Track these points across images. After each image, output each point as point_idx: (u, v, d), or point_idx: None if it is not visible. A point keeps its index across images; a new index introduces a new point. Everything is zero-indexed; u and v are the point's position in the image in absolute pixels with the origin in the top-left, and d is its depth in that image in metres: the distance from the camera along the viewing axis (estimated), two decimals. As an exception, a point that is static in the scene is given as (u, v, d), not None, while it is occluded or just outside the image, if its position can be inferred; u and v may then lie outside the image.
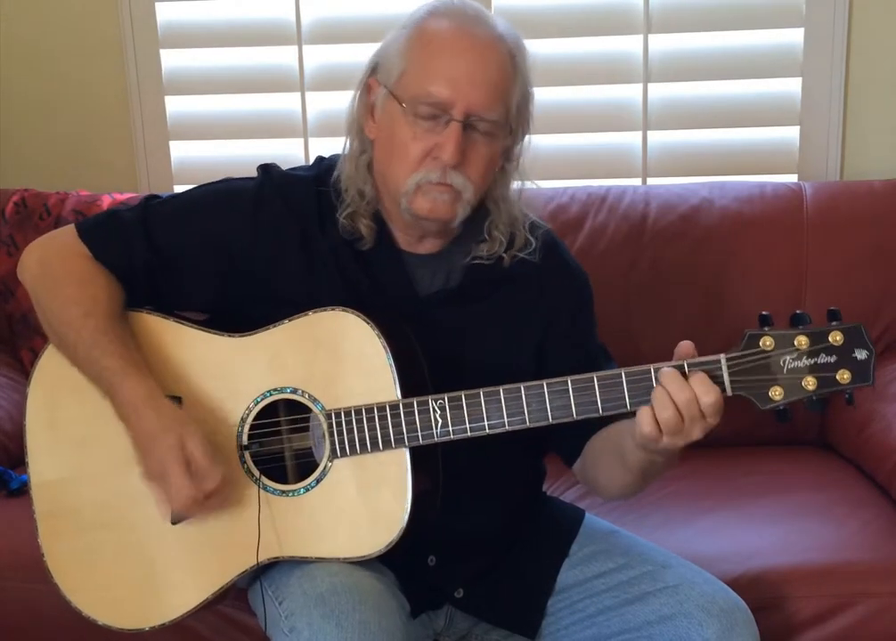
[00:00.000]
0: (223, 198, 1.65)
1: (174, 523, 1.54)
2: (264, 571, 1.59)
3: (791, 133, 2.59)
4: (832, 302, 2.25)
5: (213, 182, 1.70)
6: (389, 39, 1.59)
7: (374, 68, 1.60)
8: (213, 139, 2.75)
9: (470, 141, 1.53)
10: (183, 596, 1.59)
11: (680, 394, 1.38)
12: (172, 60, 2.70)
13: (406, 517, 1.49)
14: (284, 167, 1.70)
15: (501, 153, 1.60)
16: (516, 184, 1.66)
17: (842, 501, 2.03)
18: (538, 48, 2.51)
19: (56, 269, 1.62)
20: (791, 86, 2.56)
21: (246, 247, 1.61)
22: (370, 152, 1.62)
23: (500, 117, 1.55)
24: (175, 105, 2.73)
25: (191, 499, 1.49)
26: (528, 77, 1.60)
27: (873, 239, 2.34)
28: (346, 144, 1.65)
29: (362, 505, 1.52)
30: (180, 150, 2.75)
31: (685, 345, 1.43)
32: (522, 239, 1.65)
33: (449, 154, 1.51)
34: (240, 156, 2.67)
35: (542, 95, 2.54)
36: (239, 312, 1.62)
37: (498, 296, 1.65)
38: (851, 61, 2.53)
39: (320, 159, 1.71)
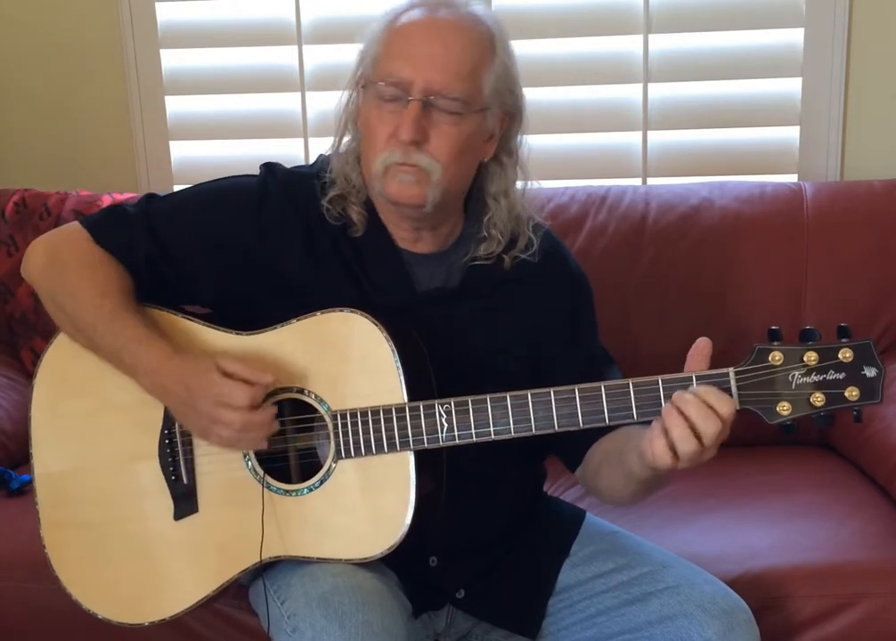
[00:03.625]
0: (226, 195, 1.66)
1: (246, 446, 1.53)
2: (266, 569, 1.59)
3: (791, 133, 2.59)
4: (832, 302, 2.29)
5: (215, 180, 1.70)
6: (369, 33, 1.60)
7: (359, 64, 1.61)
8: (213, 139, 2.75)
9: (433, 121, 1.53)
10: (183, 592, 1.60)
11: (709, 429, 1.36)
12: (172, 60, 2.70)
13: (409, 521, 1.49)
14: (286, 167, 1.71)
15: (481, 136, 1.58)
16: (519, 184, 1.65)
17: (842, 501, 2.03)
18: (538, 48, 2.56)
19: (65, 255, 1.62)
20: (791, 86, 2.56)
21: (251, 243, 1.61)
22: (358, 142, 1.63)
23: (464, 96, 1.53)
24: (175, 105, 2.73)
25: (251, 397, 1.47)
26: (510, 60, 1.59)
27: (873, 239, 2.34)
28: (335, 140, 1.66)
29: (365, 507, 1.52)
30: (180, 150, 2.75)
31: (702, 343, 1.42)
32: (525, 239, 1.65)
33: (405, 131, 1.51)
34: (240, 156, 2.67)
35: (543, 95, 2.58)
36: (244, 308, 1.62)
37: (498, 295, 1.65)
38: (851, 61, 2.53)
39: (321, 157, 1.70)
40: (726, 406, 1.38)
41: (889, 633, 1.78)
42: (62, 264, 1.61)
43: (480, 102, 1.55)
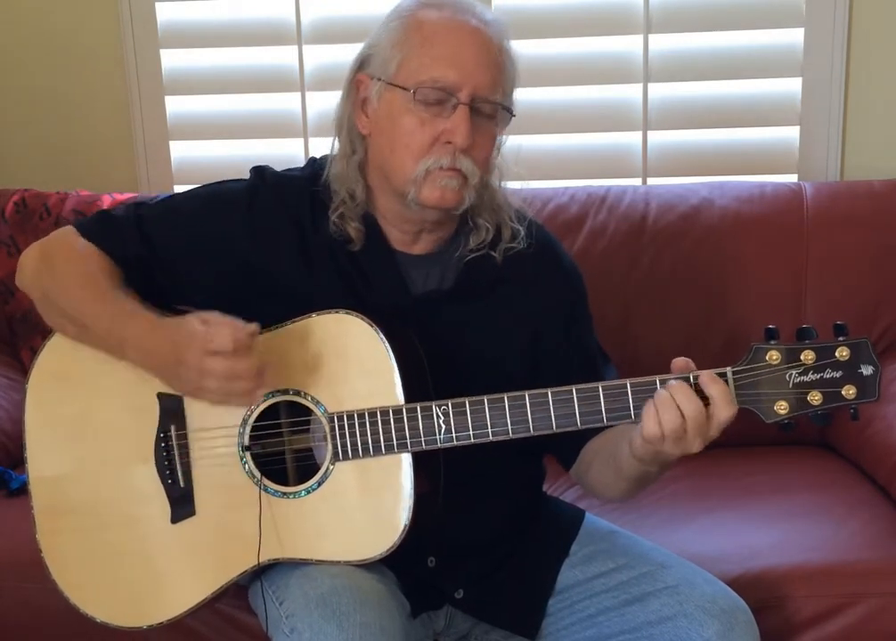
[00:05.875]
0: (216, 200, 1.66)
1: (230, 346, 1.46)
2: (264, 571, 1.59)
3: (791, 133, 2.59)
4: (832, 302, 2.29)
5: (205, 185, 1.70)
6: (377, 34, 1.59)
7: (361, 65, 1.60)
8: (213, 139, 2.75)
9: (476, 125, 1.54)
10: (181, 594, 1.59)
11: (688, 405, 1.38)
12: (172, 60, 2.70)
13: (406, 522, 1.49)
14: (280, 168, 1.70)
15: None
16: (496, 175, 1.66)
17: (842, 501, 2.03)
18: (538, 48, 2.56)
19: (55, 253, 1.63)
20: (791, 86, 2.56)
21: (242, 247, 1.62)
22: (361, 151, 1.62)
23: (501, 99, 1.56)
24: (175, 105, 2.73)
25: (235, 339, 1.43)
26: (514, 63, 1.60)
27: (873, 239, 2.34)
28: (333, 145, 1.65)
29: (362, 508, 1.52)
30: (180, 150, 2.75)
31: (680, 362, 1.43)
32: (509, 230, 1.65)
33: (462, 137, 1.51)
34: (240, 156, 2.67)
35: (542, 95, 2.58)
36: (237, 311, 1.61)
37: (492, 295, 1.66)
38: (851, 61, 2.53)
39: (312, 160, 1.71)
40: (711, 387, 1.39)
41: (889, 633, 1.78)
42: (52, 262, 1.62)
43: (507, 106, 1.58)
